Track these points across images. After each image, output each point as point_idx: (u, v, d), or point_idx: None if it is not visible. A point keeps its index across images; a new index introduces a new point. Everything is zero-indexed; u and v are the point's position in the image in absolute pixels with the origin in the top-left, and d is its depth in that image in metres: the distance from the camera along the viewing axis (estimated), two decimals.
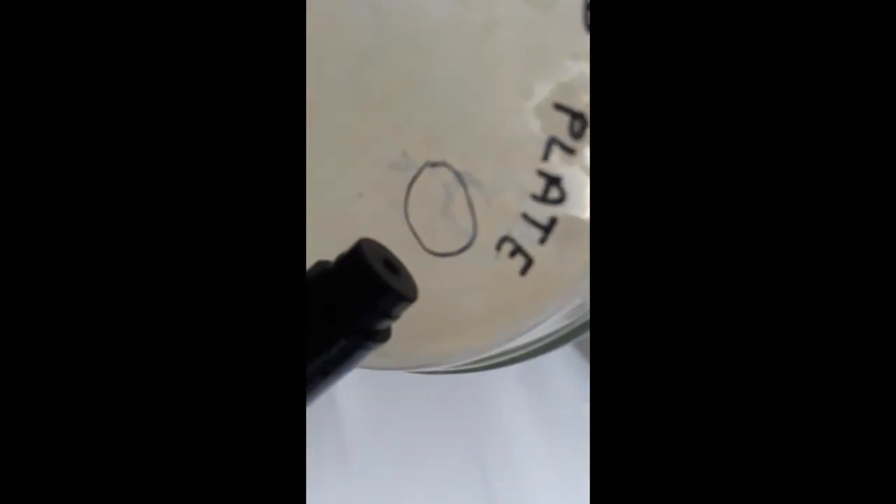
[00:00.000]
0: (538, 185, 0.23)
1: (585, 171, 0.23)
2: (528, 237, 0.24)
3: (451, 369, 0.28)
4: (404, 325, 0.27)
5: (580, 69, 0.23)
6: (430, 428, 0.35)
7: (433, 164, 0.25)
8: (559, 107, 0.23)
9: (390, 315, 0.20)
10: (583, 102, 0.23)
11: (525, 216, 0.24)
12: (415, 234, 0.26)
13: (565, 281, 0.23)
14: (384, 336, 0.21)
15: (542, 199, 0.23)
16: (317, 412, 0.35)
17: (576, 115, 0.23)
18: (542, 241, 0.24)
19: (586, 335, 0.26)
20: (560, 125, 0.23)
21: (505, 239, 0.24)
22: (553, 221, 0.24)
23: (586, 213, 0.23)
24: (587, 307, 0.25)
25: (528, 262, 0.24)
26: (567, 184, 0.23)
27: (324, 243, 0.28)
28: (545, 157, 0.23)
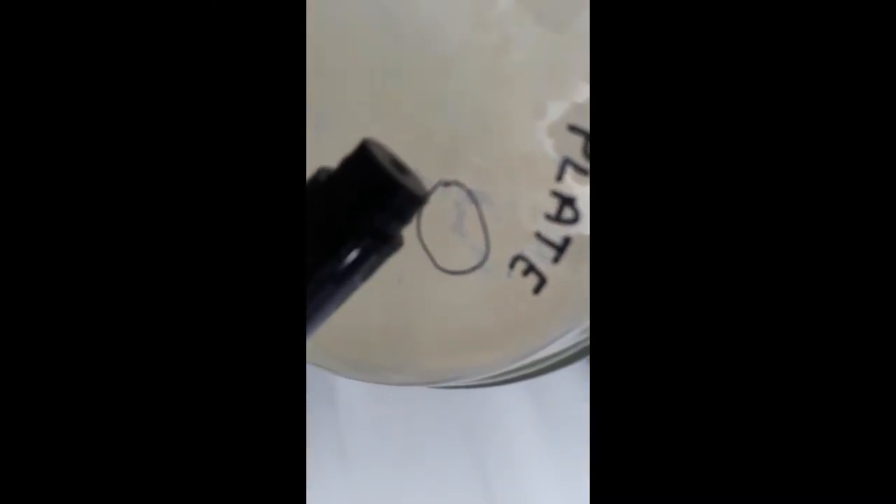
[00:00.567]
0: (552, 205, 0.24)
1: None
2: (541, 256, 0.24)
3: (464, 385, 0.28)
4: (417, 341, 0.27)
5: None
6: (430, 429, 0.35)
7: (446, 184, 0.26)
8: (573, 128, 0.23)
9: (402, 216, 0.19)
10: None
11: (539, 235, 0.24)
12: (427, 252, 0.26)
13: (578, 300, 0.23)
14: (397, 242, 0.19)
15: (556, 218, 0.24)
16: (317, 413, 0.36)
17: (589, 136, 0.23)
18: (556, 260, 0.24)
19: None
20: (574, 146, 0.23)
21: (518, 257, 0.25)
22: (567, 241, 0.24)
23: None
24: None
25: (542, 281, 0.24)
26: (581, 204, 0.23)
27: None
28: (559, 177, 0.23)
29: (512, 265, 0.25)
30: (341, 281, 0.19)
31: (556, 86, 0.23)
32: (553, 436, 0.35)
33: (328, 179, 0.19)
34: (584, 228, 0.23)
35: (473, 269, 0.26)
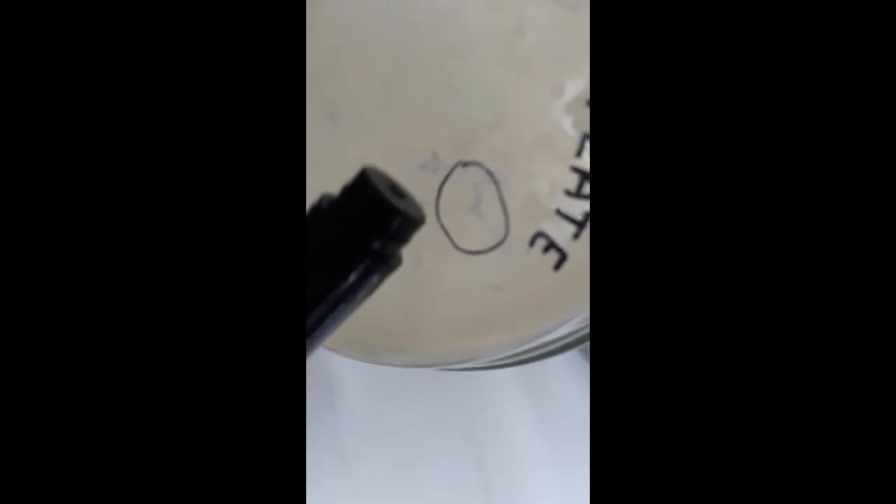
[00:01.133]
0: (572, 181, 0.24)
1: None
2: (561, 232, 0.24)
3: (484, 365, 0.28)
4: (438, 322, 0.28)
5: None
6: (430, 427, 0.36)
7: (465, 164, 0.26)
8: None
9: (400, 238, 0.20)
10: None
11: (559, 212, 0.24)
12: (447, 234, 0.27)
13: None
14: (396, 262, 0.21)
15: (577, 194, 0.24)
16: (316, 412, 0.36)
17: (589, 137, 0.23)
18: (577, 236, 0.24)
19: None
20: None
21: (538, 234, 0.25)
22: (587, 216, 0.24)
23: None
24: None
25: (563, 258, 0.24)
26: None
27: None
28: (578, 153, 0.24)
29: (532, 243, 0.25)
30: (344, 299, 0.20)
31: (573, 64, 0.24)
32: (553, 434, 0.35)
33: (330, 206, 0.20)
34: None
35: (493, 248, 0.26)
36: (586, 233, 0.24)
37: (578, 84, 0.24)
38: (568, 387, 0.34)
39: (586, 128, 0.24)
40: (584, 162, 0.24)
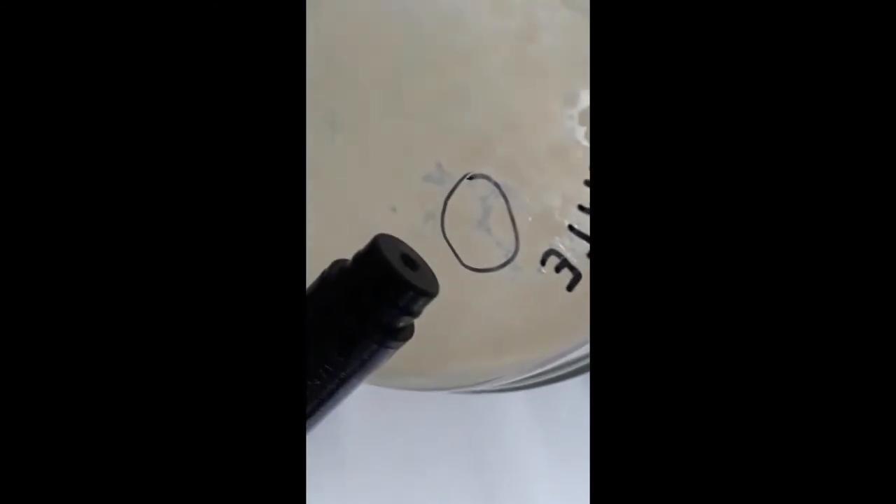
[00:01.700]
0: (586, 196, 0.23)
1: None
2: (574, 250, 0.23)
3: (498, 388, 0.27)
4: (446, 344, 0.26)
5: None
6: (431, 441, 0.35)
7: (471, 177, 0.25)
8: None
9: (411, 312, 0.20)
10: None
11: (571, 228, 0.23)
12: (452, 250, 0.25)
13: None
14: (406, 334, 0.20)
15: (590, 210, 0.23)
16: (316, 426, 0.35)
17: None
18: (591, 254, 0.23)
19: None
20: None
21: (550, 252, 0.23)
22: None
23: None
24: None
25: (577, 277, 0.23)
26: None
27: None
28: None
29: (543, 261, 0.24)
30: (351, 375, 0.20)
31: (586, 71, 0.22)
32: (555, 448, 0.34)
33: (339, 275, 0.20)
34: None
35: (503, 265, 0.25)
36: None
37: None
38: (571, 400, 0.33)
39: None
40: None
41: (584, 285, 0.23)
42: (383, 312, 0.19)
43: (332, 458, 0.35)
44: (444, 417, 0.34)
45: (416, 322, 0.26)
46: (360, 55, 0.26)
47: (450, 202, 0.26)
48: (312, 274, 0.20)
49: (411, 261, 0.20)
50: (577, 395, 0.32)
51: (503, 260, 0.25)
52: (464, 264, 0.25)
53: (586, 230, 0.23)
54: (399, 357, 0.26)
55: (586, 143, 0.22)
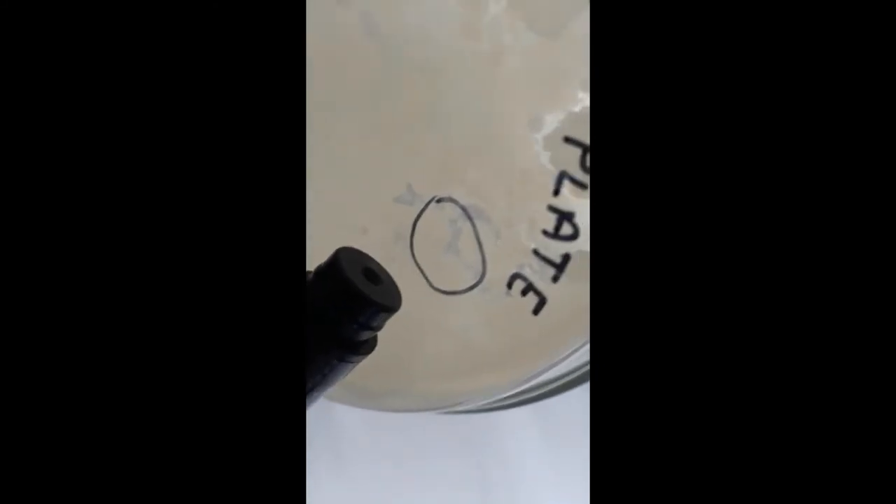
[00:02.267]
0: (550, 221, 0.22)
1: None
2: (540, 274, 0.23)
3: (465, 410, 0.27)
4: (415, 365, 0.26)
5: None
6: (430, 448, 0.35)
7: (439, 200, 0.24)
8: (569, 140, 0.22)
9: (371, 326, 0.20)
10: None
11: (536, 253, 0.23)
12: (421, 272, 0.25)
13: (581, 320, 0.22)
14: (367, 348, 0.20)
15: (555, 235, 0.22)
16: (313, 428, 0.35)
17: (587, 149, 0.22)
18: (556, 279, 0.23)
19: None
20: (571, 158, 0.22)
21: (516, 276, 0.23)
22: (566, 258, 0.22)
23: None
24: None
25: (542, 301, 0.23)
26: (580, 219, 0.22)
27: None
28: (556, 191, 0.22)
29: (510, 284, 0.24)
30: (314, 389, 0.20)
31: (551, 95, 0.22)
32: (554, 454, 0.34)
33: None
34: (583, 245, 0.22)
35: (470, 288, 0.24)
36: (566, 275, 0.23)
37: (557, 117, 0.22)
38: (571, 410, 0.33)
39: (564, 165, 0.22)
40: (563, 201, 0.22)
41: (550, 309, 0.23)
42: (343, 327, 0.19)
43: (330, 457, 0.35)
44: (443, 427, 0.34)
45: (389, 347, 0.26)
46: (332, 76, 0.26)
47: (419, 224, 0.25)
48: None
49: (374, 274, 0.20)
50: (574, 406, 0.32)
51: (472, 282, 0.25)
52: (433, 286, 0.25)
53: (551, 256, 0.23)
54: (374, 378, 0.26)
55: (550, 168, 0.22)
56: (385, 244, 0.26)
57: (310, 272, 0.20)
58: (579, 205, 0.22)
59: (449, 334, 0.25)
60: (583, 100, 0.22)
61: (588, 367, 0.26)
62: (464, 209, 0.24)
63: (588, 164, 0.22)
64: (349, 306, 0.19)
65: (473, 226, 0.24)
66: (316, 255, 0.27)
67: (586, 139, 0.22)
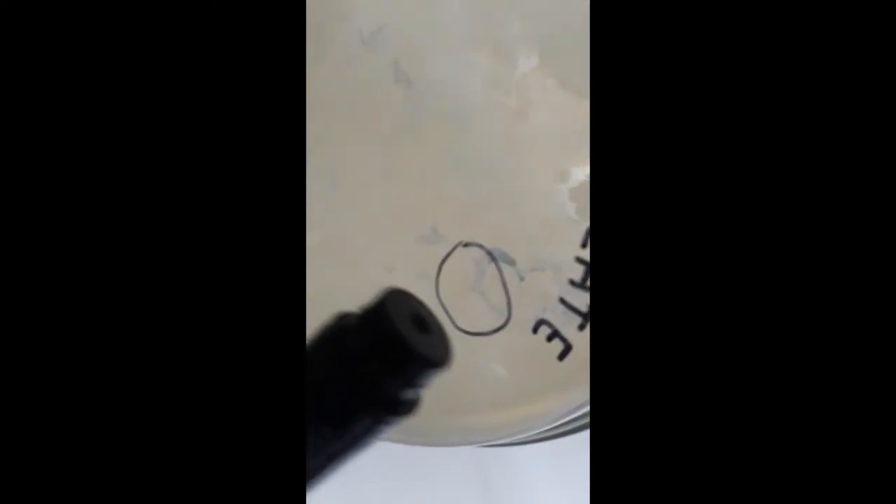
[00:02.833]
0: (577, 272, 0.23)
1: None
2: (566, 322, 0.24)
3: (481, 445, 0.28)
4: (438, 402, 0.27)
5: None
6: (438, 479, 0.35)
7: (466, 244, 0.25)
8: None
9: (420, 384, 0.17)
10: None
11: (563, 301, 0.24)
12: (446, 312, 0.26)
13: None
14: (409, 408, 0.17)
15: (581, 285, 0.23)
16: None
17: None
18: (582, 327, 0.23)
19: None
20: None
21: (542, 322, 0.24)
22: None
23: None
24: None
25: (567, 348, 0.24)
26: None
27: None
28: (584, 244, 0.23)
29: (535, 330, 0.24)
30: (346, 451, 0.17)
31: (578, 150, 0.23)
32: (556, 452, 0.34)
33: (340, 333, 0.17)
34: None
35: (496, 330, 0.25)
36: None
37: (584, 170, 0.23)
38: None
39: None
40: (589, 254, 0.23)
41: (575, 356, 0.24)
42: (385, 384, 0.17)
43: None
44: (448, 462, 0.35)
45: None
46: (361, 118, 0.27)
47: (446, 264, 0.26)
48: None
49: (424, 322, 0.17)
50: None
51: (496, 323, 0.25)
52: (457, 327, 0.26)
53: (577, 305, 0.24)
54: None
55: (577, 218, 0.23)
56: (410, 283, 0.26)
57: (352, 314, 0.17)
58: None
59: (474, 374, 0.26)
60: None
61: None
62: (489, 253, 0.25)
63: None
64: (394, 360, 0.16)
65: (498, 268, 0.25)
66: (341, 291, 0.28)
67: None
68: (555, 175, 0.23)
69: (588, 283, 0.23)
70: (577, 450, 0.31)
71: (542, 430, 0.26)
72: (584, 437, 0.28)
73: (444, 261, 0.26)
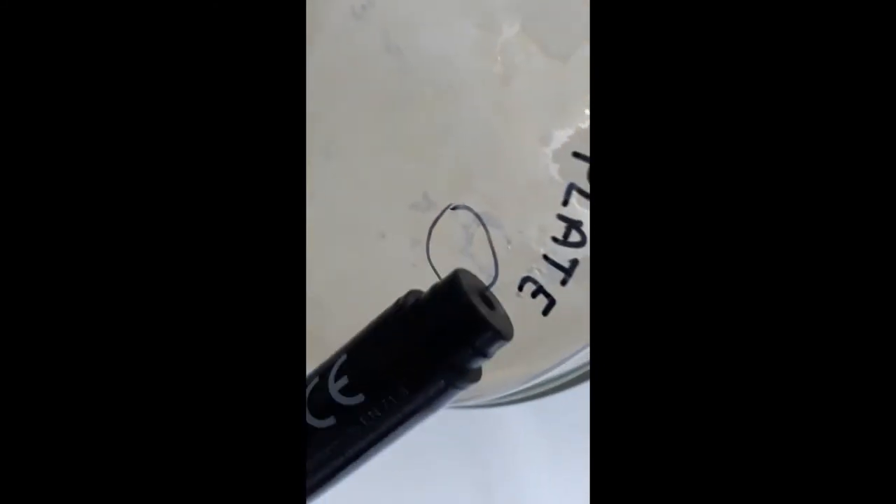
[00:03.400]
0: (559, 229, 0.24)
1: None
2: (549, 278, 0.25)
3: (470, 405, 0.29)
4: None
5: None
6: (430, 442, 0.35)
7: (454, 207, 0.26)
8: (577, 154, 0.24)
9: (485, 354, 0.19)
10: None
11: (546, 258, 0.25)
12: (437, 274, 0.27)
13: (586, 321, 0.24)
14: (475, 375, 0.19)
15: (563, 241, 0.24)
16: None
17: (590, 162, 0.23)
18: (564, 282, 0.24)
19: None
20: (579, 171, 0.24)
21: (527, 279, 0.25)
22: (574, 263, 0.24)
23: None
24: None
25: (551, 303, 0.25)
26: (587, 227, 0.24)
27: (349, 281, 0.29)
28: (565, 202, 0.24)
29: (521, 287, 0.25)
30: (414, 414, 0.19)
31: (560, 113, 0.24)
32: (555, 450, 0.35)
33: (415, 307, 0.19)
34: (590, 251, 0.24)
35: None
36: (574, 279, 0.24)
37: (566, 133, 0.24)
38: (572, 407, 0.34)
39: (573, 177, 0.24)
40: (571, 211, 0.24)
41: (558, 311, 0.25)
42: (458, 352, 0.18)
43: None
44: (445, 424, 0.35)
45: None
46: (354, 90, 0.28)
47: (435, 229, 0.27)
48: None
49: (488, 300, 0.19)
50: (579, 404, 0.33)
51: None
52: None
53: (560, 261, 0.25)
54: None
55: (559, 179, 0.24)
56: (402, 248, 0.27)
57: (421, 291, 0.19)
58: (586, 214, 0.24)
59: None
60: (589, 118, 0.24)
61: (589, 367, 0.27)
62: (477, 216, 0.26)
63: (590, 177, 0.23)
64: (467, 331, 0.18)
65: (486, 231, 0.26)
66: (336, 257, 0.28)
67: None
68: (539, 138, 0.24)
69: (570, 238, 0.24)
70: (564, 409, 0.32)
71: (529, 386, 0.27)
72: (569, 395, 0.29)
73: (433, 225, 0.27)
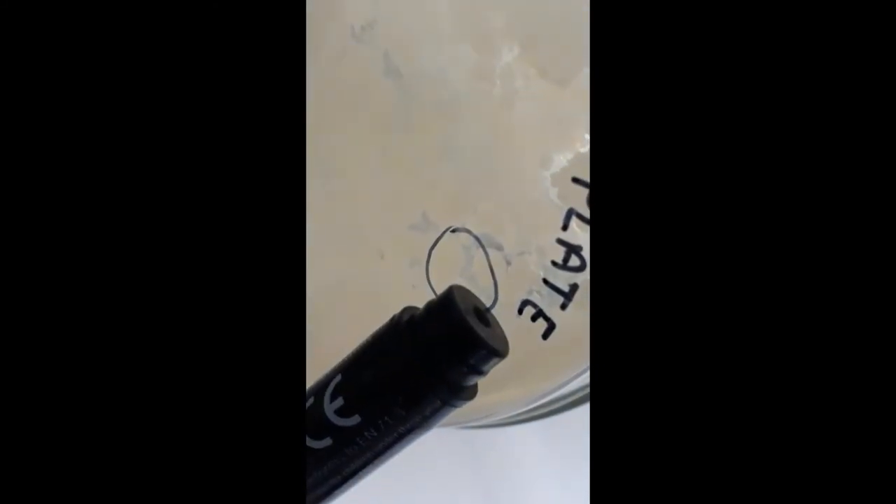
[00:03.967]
0: (559, 253, 0.24)
1: None
2: (549, 302, 0.25)
3: (472, 426, 0.29)
4: None
5: None
6: (433, 461, 0.35)
7: (454, 230, 0.26)
8: (576, 180, 0.24)
9: (480, 371, 0.19)
10: None
11: (546, 282, 0.25)
12: (435, 296, 0.27)
13: (586, 345, 0.24)
14: (471, 393, 0.19)
15: (563, 266, 0.24)
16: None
17: (590, 188, 0.23)
18: (564, 306, 0.24)
19: None
20: (579, 196, 0.24)
21: (527, 303, 0.25)
22: (574, 288, 0.24)
23: None
24: None
25: (551, 327, 0.25)
26: (587, 252, 0.24)
27: (347, 302, 0.29)
28: (564, 226, 0.24)
29: (520, 310, 0.25)
30: (410, 433, 0.19)
31: (560, 137, 0.24)
32: (558, 469, 0.35)
33: (410, 323, 0.19)
34: (590, 277, 0.24)
35: None
36: (574, 303, 0.24)
37: (565, 157, 0.24)
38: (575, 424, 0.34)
39: (572, 202, 0.24)
40: (571, 235, 0.24)
41: (558, 335, 0.25)
42: (453, 369, 0.18)
43: None
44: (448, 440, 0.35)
45: None
46: (353, 111, 0.28)
47: (435, 250, 0.27)
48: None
49: (483, 317, 0.19)
50: (583, 423, 0.33)
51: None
52: None
53: (559, 285, 0.24)
54: None
55: (559, 203, 0.24)
56: (401, 269, 0.27)
57: (416, 308, 0.19)
58: (586, 238, 0.24)
59: None
60: (589, 142, 0.24)
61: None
62: (476, 238, 0.26)
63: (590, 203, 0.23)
64: (462, 348, 0.18)
65: (486, 253, 0.26)
66: (336, 277, 0.28)
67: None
68: (539, 161, 0.24)
69: (569, 262, 0.24)
70: (567, 428, 0.31)
71: (530, 408, 0.27)
72: (572, 415, 0.29)
73: (433, 246, 0.27)
